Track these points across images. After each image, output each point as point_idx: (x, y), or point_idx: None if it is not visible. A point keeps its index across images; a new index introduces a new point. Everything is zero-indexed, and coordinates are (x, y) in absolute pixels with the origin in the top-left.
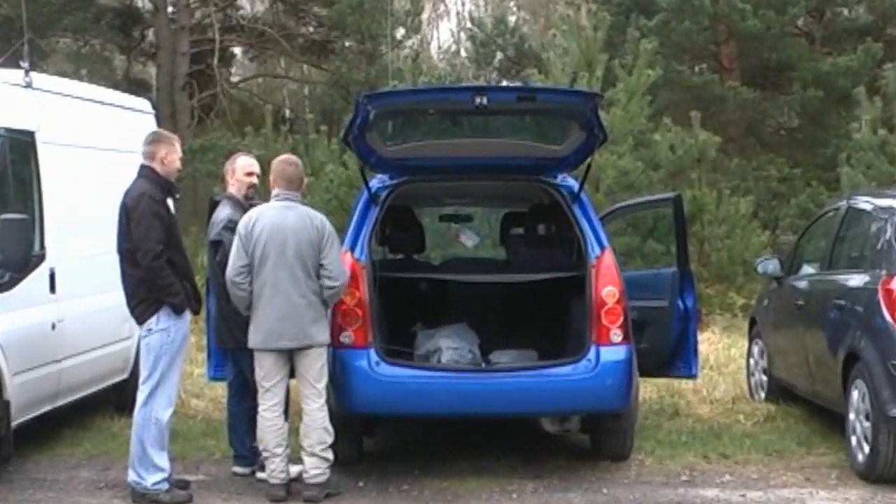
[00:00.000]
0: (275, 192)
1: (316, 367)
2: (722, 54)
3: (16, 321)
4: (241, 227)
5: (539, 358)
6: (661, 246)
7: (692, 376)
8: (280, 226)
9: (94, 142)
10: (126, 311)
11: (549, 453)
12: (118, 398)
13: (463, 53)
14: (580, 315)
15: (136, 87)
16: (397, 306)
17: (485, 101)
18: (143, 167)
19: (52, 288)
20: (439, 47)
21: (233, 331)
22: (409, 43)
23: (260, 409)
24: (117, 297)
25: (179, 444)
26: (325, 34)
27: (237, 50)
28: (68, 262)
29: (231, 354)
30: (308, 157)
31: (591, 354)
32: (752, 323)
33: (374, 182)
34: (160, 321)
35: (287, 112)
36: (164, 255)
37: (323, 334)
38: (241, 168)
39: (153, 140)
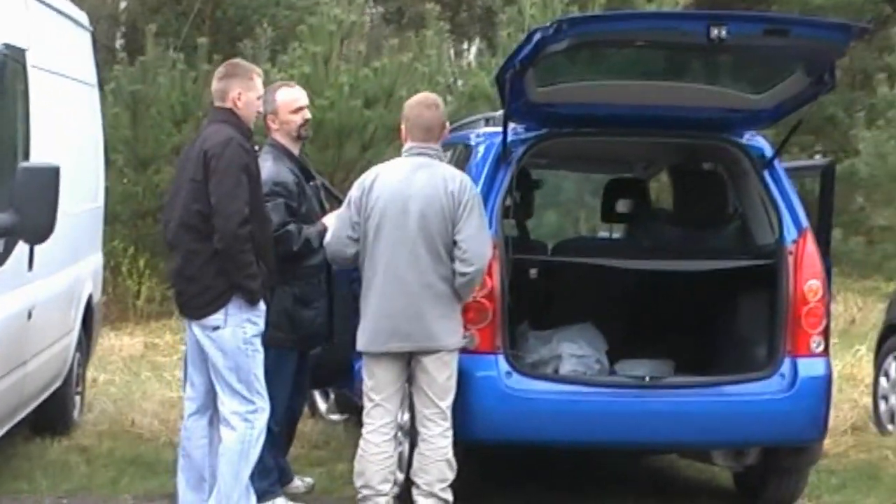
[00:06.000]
0: (407, 145)
1: (441, 379)
2: None
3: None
4: (354, 189)
5: (677, 371)
6: None
7: None
8: (403, 190)
9: (64, 67)
10: (72, 295)
11: (689, 497)
12: (38, 413)
13: None
14: (760, 316)
15: None
16: None
17: (723, 33)
18: (217, 110)
19: (31, 263)
20: None
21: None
22: None
23: (364, 430)
24: (73, 273)
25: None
26: None
27: None
28: None
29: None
30: None
31: (786, 368)
32: (891, 331)
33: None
34: (230, 315)
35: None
36: (249, 224)
37: (453, 335)
38: (285, 105)
39: (226, 74)
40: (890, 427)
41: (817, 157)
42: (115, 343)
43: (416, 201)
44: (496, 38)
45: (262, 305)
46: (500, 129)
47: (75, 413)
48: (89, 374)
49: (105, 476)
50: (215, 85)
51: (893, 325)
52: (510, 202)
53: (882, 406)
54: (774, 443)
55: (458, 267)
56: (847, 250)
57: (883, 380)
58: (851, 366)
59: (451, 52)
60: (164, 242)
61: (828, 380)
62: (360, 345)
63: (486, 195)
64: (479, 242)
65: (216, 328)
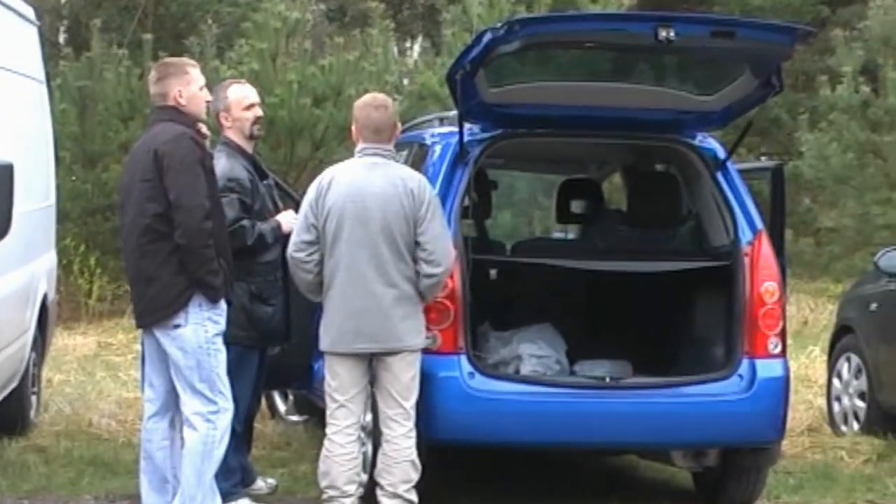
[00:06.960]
0: (359, 146)
1: (405, 380)
2: None
3: None
4: (311, 191)
5: (636, 371)
6: None
7: None
8: (361, 191)
9: (12, 63)
10: (28, 293)
11: (648, 497)
12: None
13: None
14: (718, 318)
15: None
16: None
17: (671, 35)
18: (162, 109)
19: None
20: None
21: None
22: None
23: (328, 430)
24: (28, 272)
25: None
26: None
27: None
28: None
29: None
30: None
31: (744, 369)
32: (842, 332)
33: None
34: (191, 313)
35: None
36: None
37: (416, 336)
38: (237, 102)
39: (159, 76)
40: (844, 428)
41: (763, 158)
42: (69, 342)
43: (376, 201)
44: (440, 37)
45: (223, 304)
46: (455, 128)
47: (32, 413)
48: (44, 374)
49: (64, 476)
50: (153, 89)
51: (845, 326)
52: (468, 202)
53: (836, 407)
54: (733, 443)
55: (425, 269)
56: (797, 251)
57: (836, 381)
58: (805, 367)
59: (395, 50)
60: (121, 244)
61: (786, 380)
62: (325, 345)
63: (444, 195)
64: (444, 243)
65: (177, 326)
